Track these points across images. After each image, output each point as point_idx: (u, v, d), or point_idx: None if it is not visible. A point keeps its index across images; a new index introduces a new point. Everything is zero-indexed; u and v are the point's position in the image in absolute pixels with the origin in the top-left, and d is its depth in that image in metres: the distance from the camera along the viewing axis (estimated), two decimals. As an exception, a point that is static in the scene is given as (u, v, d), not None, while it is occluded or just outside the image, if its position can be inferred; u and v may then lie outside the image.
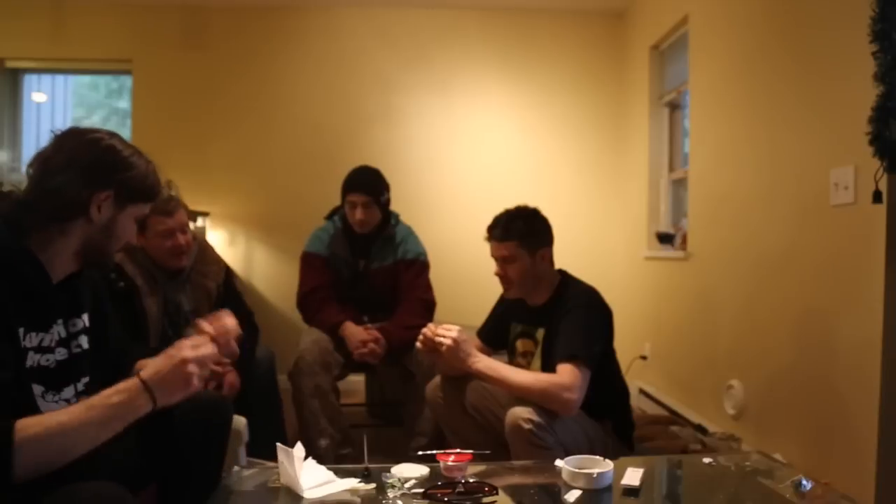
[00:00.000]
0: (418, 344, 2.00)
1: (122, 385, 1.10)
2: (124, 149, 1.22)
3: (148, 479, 1.40)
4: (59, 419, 1.03)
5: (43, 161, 1.17)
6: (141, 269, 2.09)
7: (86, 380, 1.28)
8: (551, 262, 2.13)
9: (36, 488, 1.00)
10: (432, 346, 1.96)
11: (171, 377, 1.13)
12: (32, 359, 1.15)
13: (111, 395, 1.08)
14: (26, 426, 0.99)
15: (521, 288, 2.11)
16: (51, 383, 1.18)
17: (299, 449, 1.40)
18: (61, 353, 1.21)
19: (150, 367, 1.14)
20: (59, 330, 1.21)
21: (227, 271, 2.40)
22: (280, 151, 4.17)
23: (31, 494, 1.00)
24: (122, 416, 1.08)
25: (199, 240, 2.36)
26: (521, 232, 2.04)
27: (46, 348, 1.18)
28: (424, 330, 1.99)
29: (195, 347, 1.18)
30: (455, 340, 1.92)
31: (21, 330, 1.12)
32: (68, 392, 1.23)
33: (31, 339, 1.15)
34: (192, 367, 1.15)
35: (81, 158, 1.17)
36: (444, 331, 1.95)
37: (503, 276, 2.10)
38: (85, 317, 1.29)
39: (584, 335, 1.91)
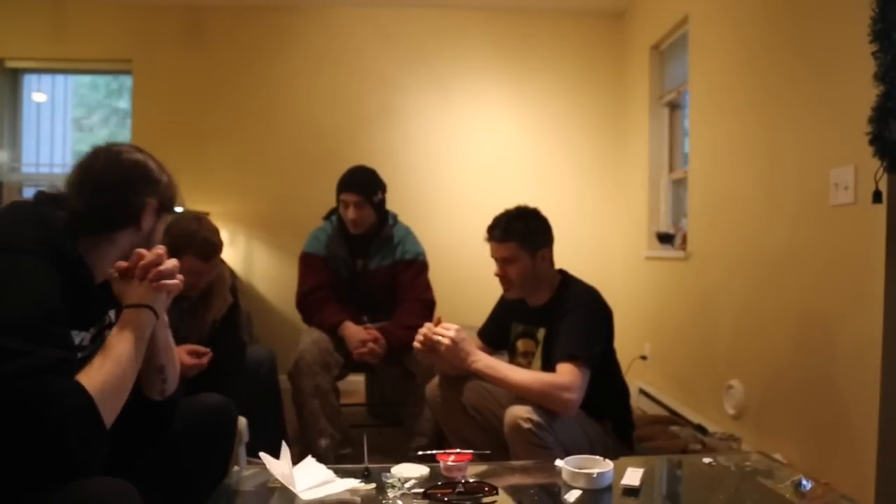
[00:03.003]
0: (416, 343, 1.99)
1: (124, 320, 1.18)
2: (155, 162, 1.34)
3: (152, 482, 1.41)
4: (106, 367, 1.10)
5: (92, 176, 1.25)
6: None
7: None
8: (551, 263, 2.13)
9: (43, 484, 1.01)
10: (431, 345, 1.96)
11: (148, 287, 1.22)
12: None
13: (124, 331, 1.17)
14: (89, 379, 1.05)
15: (521, 288, 2.10)
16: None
17: (285, 450, 1.41)
18: (90, 350, 1.26)
19: (127, 294, 1.22)
20: (92, 329, 1.27)
21: (232, 306, 2.31)
22: (280, 151, 4.17)
23: (38, 490, 1.01)
24: (143, 339, 1.20)
25: (219, 270, 2.25)
26: (522, 233, 2.03)
27: (80, 347, 1.22)
28: (423, 329, 1.99)
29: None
30: (453, 339, 1.92)
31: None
32: None
33: (75, 338, 1.20)
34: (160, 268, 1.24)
35: (131, 173, 1.28)
36: (442, 329, 1.94)
37: (503, 277, 2.10)
38: (111, 313, 1.34)
39: (584, 335, 1.91)
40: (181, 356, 2.04)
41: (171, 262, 1.26)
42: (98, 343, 1.28)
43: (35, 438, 0.97)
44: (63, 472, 1.00)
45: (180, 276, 1.27)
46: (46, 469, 0.99)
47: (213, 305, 2.23)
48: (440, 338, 1.92)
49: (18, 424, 0.96)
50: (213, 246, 2.06)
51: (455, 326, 1.95)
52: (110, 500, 1.01)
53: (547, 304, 2.09)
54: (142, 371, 1.23)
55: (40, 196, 1.26)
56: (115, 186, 1.25)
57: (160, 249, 1.26)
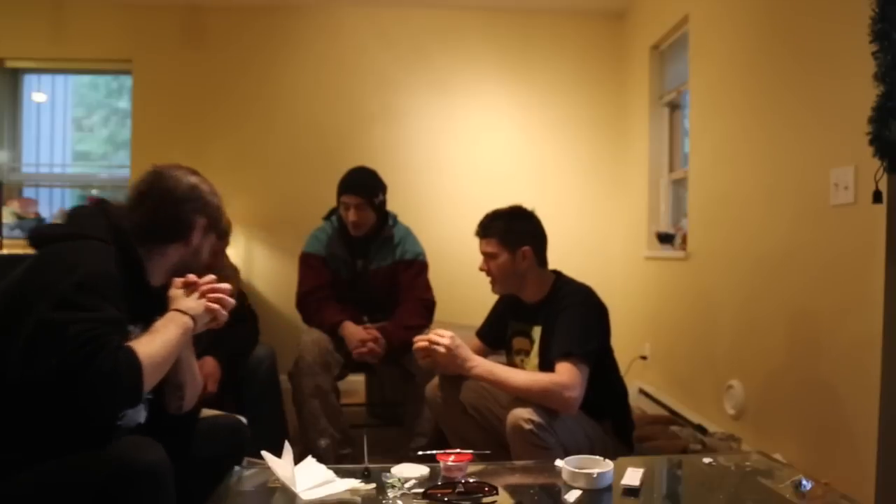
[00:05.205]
0: (417, 350, 1.99)
1: (169, 318, 1.30)
2: (208, 185, 1.50)
3: None
4: (154, 342, 1.22)
5: (151, 194, 1.42)
6: None
7: None
8: (538, 262, 2.11)
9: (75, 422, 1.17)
10: (428, 354, 1.96)
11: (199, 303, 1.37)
12: None
13: (170, 325, 1.28)
14: (139, 347, 1.17)
15: (502, 284, 2.14)
16: None
17: (287, 450, 1.41)
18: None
19: (179, 301, 1.35)
20: (140, 325, 1.36)
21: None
22: (280, 151, 4.17)
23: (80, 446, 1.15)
24: (183, 337, 1.31)
25: (231, 263, 2.36)
26: (500, 230, 2.08)
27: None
28: (420, 342, 1.96)
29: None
30: (448, 347, 1.91)
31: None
32: None
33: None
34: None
35: (186, 194, 1.44)
36: (436, 338, 1.94)
37: (487, 272, 2.14)
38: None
39: (579, 332, 1.91)
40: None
41: (227, 287, 1.41)
42: None
43: (86, 379, 1.08)
44: (94, 416, 1.17)
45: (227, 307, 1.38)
46: (85, 410, 1.12)
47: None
48: (436, 347, 1.92)
49: (76, 365, 1.08)
50: (228, 224, 2.16)
51: (449, 333, 1.94)
52: (143, 445, 1.17)
53: (542, 302, 2.09)
54: (163, 385, 1.33)
55: (104, 204, 1.42)
56: (171, 204, 1.42)
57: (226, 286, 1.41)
